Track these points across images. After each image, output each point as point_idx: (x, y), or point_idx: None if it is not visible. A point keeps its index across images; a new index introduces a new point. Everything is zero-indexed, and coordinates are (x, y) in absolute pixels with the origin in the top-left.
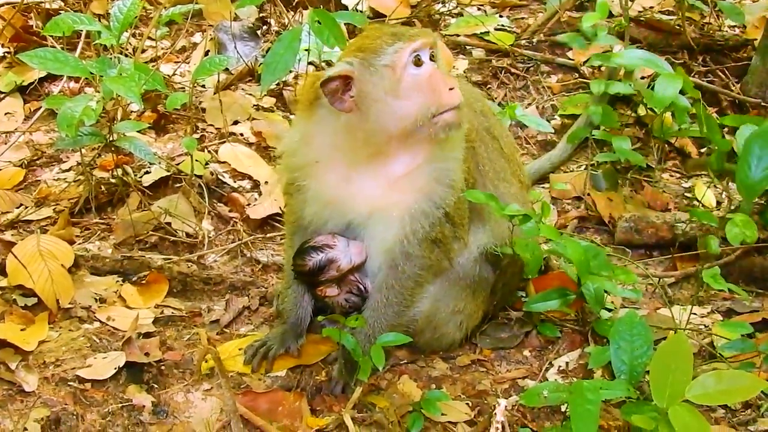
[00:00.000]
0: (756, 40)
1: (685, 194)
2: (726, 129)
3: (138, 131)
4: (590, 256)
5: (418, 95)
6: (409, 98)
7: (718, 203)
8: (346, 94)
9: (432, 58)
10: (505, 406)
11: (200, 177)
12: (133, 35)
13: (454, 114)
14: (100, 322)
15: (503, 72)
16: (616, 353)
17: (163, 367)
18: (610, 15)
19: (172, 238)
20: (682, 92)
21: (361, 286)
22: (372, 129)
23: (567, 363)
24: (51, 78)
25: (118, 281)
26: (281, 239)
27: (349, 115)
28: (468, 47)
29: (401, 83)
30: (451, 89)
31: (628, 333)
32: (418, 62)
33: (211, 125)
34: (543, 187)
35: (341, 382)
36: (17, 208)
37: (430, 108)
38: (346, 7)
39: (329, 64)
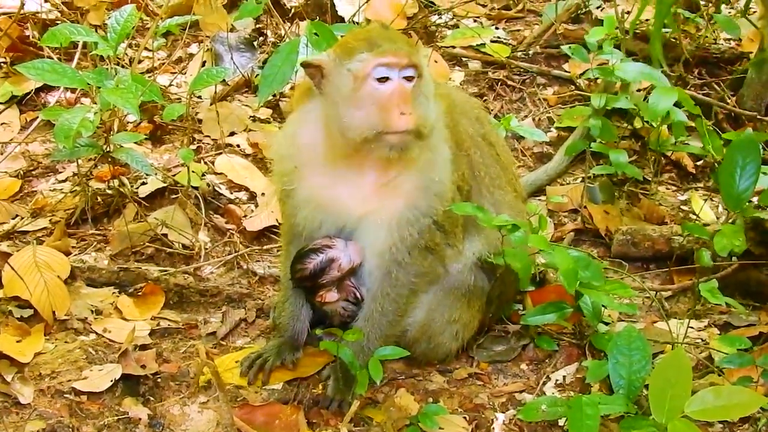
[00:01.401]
0: (751, 53)
1: (682, 207)
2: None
3: (135, 142)
4: (582, 267)
5: (369, 109)
6: (360, 109)
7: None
8: (322, 81)
9: (409, 79)
10: (503, 420)
11: (197, 188)
12: (130, 46)
13: (400, 138)
14: (96, 333)
15: (499, 84)
16: (614, 368)
17: (159, 380)
18: None
19: (169, 250)
20: (678, 105)
21: (357, 294)
22: (336, 129)
23: (564, 377)
24: (47, 88)
25: (114, 293)
26: (278, 251)
27: (326, 110)
28: (464, 59)
29: (357, 92)
30: (403, 114)
31: (626, 347)
32: (382, 79)
33: (208, 136)
34: (539, 200)
35: (337, 400)
36: (13, 218)
37: (377, 125)
38: (342, 19)
39: None
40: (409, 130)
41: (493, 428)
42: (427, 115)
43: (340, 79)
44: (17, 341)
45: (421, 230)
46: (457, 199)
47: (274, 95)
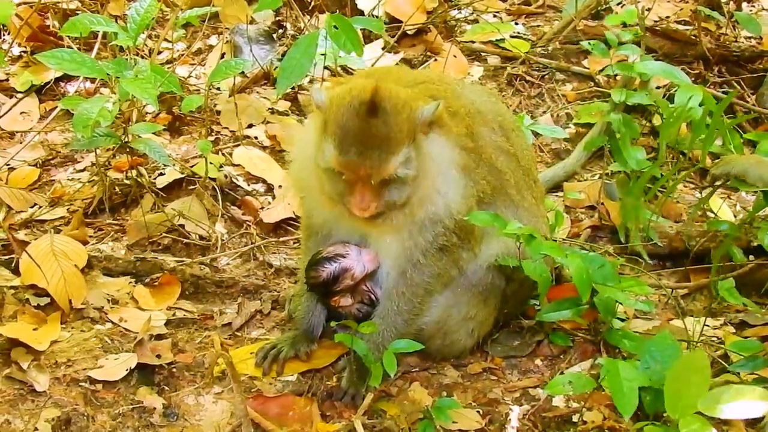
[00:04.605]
0: None
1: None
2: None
3: (153, 133)
4: (595, 267)
5: (335, 184)
6: (328, 178)
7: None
8: None
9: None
10: (517, 414)
11: (214, 179)
12: (150, 37)
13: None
14: (112, 323)
15: (518, 79)
16: (644, 372)
17: (174, 370)
18: (626, 24)
19: (185, 241)
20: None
21: (372, 296)
22: None
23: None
24: (66, 78)
25: (130, 282)
26: (294, 243)
27: None
28: (483, 54)
29: (325, 166)
30: (359, 207)
31: (659, 353)
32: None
33: (226, 128)
34: (557, 196)
35: (351, 392)
36: (31, 207)
37: (341, 197)
38: (362, 12)
39: (345, 68)
40: (366, 217)
41: (510, 419)
42: (398, 198)
43: (320, 144)
44: (34, 329)
45: (437, 232)
46: (476, 209)
47: (293, 88)
